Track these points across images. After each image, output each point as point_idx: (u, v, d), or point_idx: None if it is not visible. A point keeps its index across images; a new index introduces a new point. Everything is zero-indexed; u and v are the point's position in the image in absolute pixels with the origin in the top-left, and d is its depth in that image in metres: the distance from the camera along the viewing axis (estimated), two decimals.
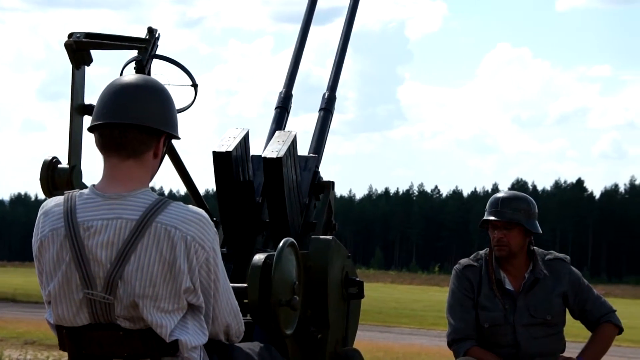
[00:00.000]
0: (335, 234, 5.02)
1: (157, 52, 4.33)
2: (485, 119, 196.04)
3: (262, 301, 3.68)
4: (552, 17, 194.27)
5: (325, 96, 5.50)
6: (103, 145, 2.96)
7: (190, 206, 2.96)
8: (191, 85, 4.43)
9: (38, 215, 3.00)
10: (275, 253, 3.71)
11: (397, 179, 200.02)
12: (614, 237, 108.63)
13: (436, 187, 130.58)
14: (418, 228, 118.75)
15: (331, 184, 5.06)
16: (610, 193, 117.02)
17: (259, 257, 3.75)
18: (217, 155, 4.42)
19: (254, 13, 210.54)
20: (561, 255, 5.15)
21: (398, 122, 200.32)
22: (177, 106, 4.41)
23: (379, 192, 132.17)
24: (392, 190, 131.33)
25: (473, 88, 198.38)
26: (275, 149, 4.51)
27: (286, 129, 5.26)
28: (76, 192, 2.97)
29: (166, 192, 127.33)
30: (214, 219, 4.75)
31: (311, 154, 5.15)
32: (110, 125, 2.92)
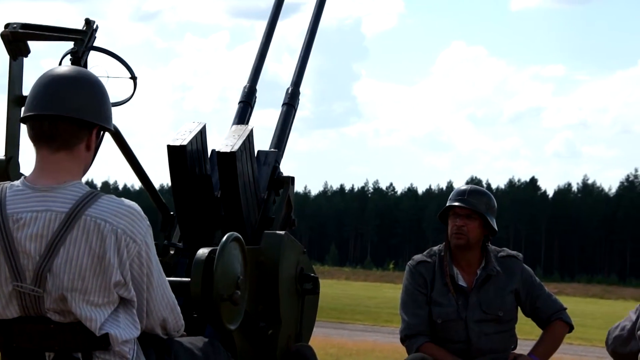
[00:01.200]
0: (293, 230, 5.01)
1: (96, 44, 4.30)
2: (440, 117, 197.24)
3: (204, 296, 3.66)
4: (507, 16, 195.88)
5: (289, 91, 5.48)
6: (34, 136, 2.94)
7: (123, 199, 2.94)
8: (130, 78, 4.40)
9: None
10: (218, 247, 3.68)
11: (352, 176, 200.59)
12: (566, 235, 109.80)
13: (391, 184, 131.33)
14: (373, 225, 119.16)
15: (291, 180, 5.04)
16: (563, 192, 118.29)
17: (202, 252, 3.72)
18: (171, 149, 4.40)
19: (209, 8, 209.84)
20: (514, 252, 5.19)
21: (354, 118, 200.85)
22: (117, 99, 4.39)
23: (334, 188, 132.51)
24: (347, 187, 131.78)
25: (428, 86, 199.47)
26: (229, 143, 4.50)
27: (249, 123, 5.24)
28: (7, 184, 2.95)
29: (120, 187, 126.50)
30: (171, 213, 4.72)
31: (272, 149, 5.14)
32: (40, 117, 2.91)
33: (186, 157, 4.38)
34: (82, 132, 2.94)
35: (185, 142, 4.38)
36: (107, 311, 2.88)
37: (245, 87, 5.41)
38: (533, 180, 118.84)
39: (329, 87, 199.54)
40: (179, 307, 3.11)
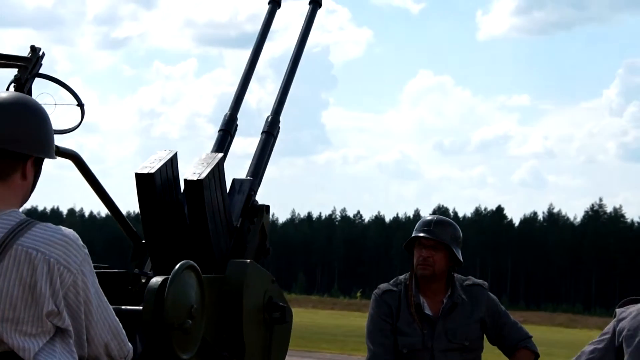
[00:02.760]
0: (266, 258, 5.00)
1: (42, 71, 4.28)
2: (408, 146, 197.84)
3: (155, 324, 3.62)
4: (473, 46, 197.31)
5: (269, 119, 5.49)
6: None
7: (60, 227, 2.89)
8: (77, 105, 4.39)
9: None
10: (170, 275, 3.65)
11: (319, 204, 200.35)
12: (532, 264, 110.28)
13: (358, 212, 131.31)
14: (340, 253, 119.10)
15: (265, 208, 5.03)
16: (529, 221, 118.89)
17: (155, 280, 3.69)
18: (139, 177, 4.38)
19: (177, 35, 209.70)
20: (479, 281, 5.21)
21: (322, 146, 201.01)
22: (65, 126, 4.37)
23: (302, 216, 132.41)
24: (315, 215, 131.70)
25: (396, 114, 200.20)
26: (197, 172, 4.50)
27: (230, 151, 5.24)
28: None
29: (86, 214, 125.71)
30: (143, 241, 4.69)
31: (248, 177, 5.13)
32: None
33: (155, 186, 4.36)
34: (15, 162, 2.90)
35: (153, 171, 4.37)
36: (41, 340, 2.83)
37: (225, 115, 5.40)
38: (499, 209, 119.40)
39: (297, 115, 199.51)
40: (124, 332, 3.06)
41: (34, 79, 4.22)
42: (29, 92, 4.19)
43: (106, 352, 3.01)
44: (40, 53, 4.26)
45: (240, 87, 5.51)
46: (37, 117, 2.95)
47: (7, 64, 4.19)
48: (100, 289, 2.98)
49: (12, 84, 4.16)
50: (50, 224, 2.88)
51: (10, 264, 2.79)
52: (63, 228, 2.89)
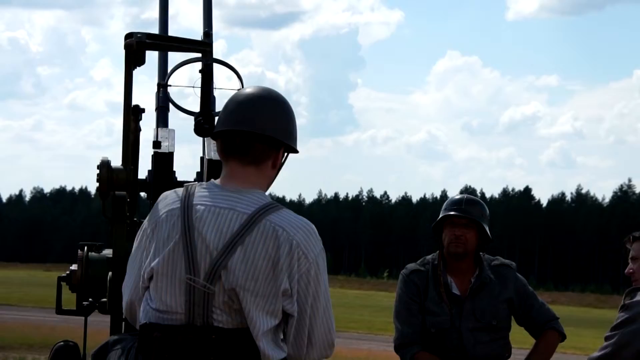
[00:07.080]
0: None
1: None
2: (436, 126, 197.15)
3: None
4: (502, 26, 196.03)
5: None
6: (225, 150, 3.05)
7: (302, 217, 3.00)
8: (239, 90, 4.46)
9: (156, 203, 3.08)
10: None
11: (346, 184, 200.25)
12: (560, 245, 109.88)
13: (385, 192, 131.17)
14: (367, 233, 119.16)
15: None
16: (557, 201, 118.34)
17: None
18: (156, 156, 4.40)
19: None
20: (507, 261, 5.21)
21: (349, 127, 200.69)
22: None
23: (329, 197, 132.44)
24: (342, 196, 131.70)
25: (424, 95, 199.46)
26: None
27: None
28: (196, 184, 3.06)
29: None
30: None
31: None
32: (233, 133, 3.02)
33: (172, 164, 4.38)
34: (270, 150, 3.04)
35: (173, 149, 4.39)
36: (270, 322, 2.90)
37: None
38: (527, 190, 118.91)
39: (326, 96, 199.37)
40: (334, 333, 3.09)
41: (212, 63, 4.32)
42: (212, 76, 4.29)
43: (320, 356, 3.05)
44: (211, 39, 4.35)
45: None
46: (290, 112, 3.12)
47: (187, 48, 4.27)
48: (329, 291, 3.03)
49: (188, 67, 4.32)
50: (293, 212, 3.00)
51: (259, 237, 2.90)
52: (303, 217, 3.00)
